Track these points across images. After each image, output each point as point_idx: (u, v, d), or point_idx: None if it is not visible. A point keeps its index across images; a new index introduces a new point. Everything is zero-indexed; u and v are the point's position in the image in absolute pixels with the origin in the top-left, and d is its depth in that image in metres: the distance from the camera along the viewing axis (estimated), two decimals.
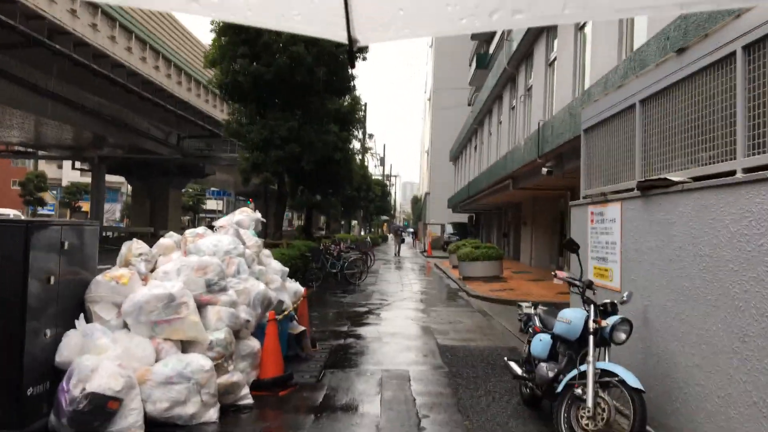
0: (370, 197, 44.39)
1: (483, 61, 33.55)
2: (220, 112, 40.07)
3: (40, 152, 46.68)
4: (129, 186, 53.91)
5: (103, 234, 45.05)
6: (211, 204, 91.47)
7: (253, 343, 5.94)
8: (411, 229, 75.68)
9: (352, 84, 15.65)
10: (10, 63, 23.50)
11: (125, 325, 5.14)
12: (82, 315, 4.97)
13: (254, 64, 14.28)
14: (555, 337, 4.92)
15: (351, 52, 1.53)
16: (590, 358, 4.18)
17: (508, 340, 8.77)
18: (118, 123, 33.84)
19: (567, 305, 5.56)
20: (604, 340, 4.40)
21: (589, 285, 4.60)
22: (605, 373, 4.15)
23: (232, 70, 14.44)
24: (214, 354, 5.33)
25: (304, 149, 14.45)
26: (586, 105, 6.80)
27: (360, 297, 14.01)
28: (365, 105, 39.60)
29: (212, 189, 77.63)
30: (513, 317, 11.50)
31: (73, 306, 4.98)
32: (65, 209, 72.34)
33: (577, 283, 4.63)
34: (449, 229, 44.03)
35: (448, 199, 43.13)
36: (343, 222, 46.07)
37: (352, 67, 15.61)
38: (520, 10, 1.42)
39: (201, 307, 5.55)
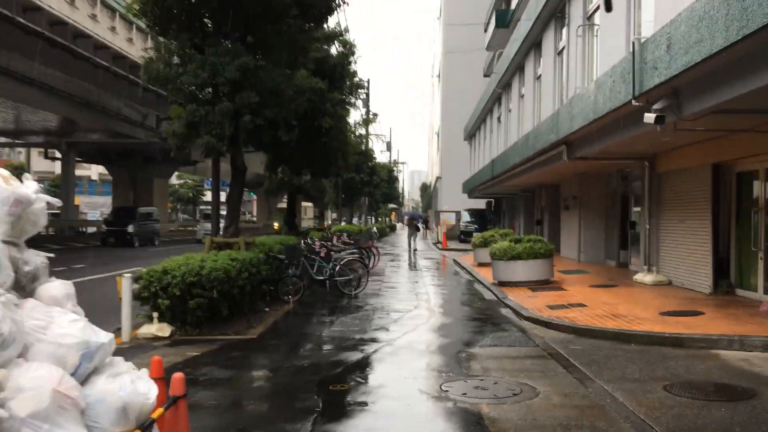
0: (375, 182, 39.04)
1: (504, 19, 28.61)
2: None
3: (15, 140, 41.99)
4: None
5: (80, 230, 40.52)
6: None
7: None
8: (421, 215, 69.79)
9: (337, 1, 10.39)
10: None
11: None
12: None
13: None
14: None
15: None
16: None
17: None
18: (90, 104, 29.03)
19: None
20: None
21: None
22: None
23: None
24: None
25: (265, 99, 9.39)
26: None
27: (352, 324, 9.06)
28: (368, 81, 34.38)
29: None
30: (620, 370, 5.83)
31: None
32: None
33: None
34: (465, 216, 39.39)
35: (463, 183, 38.13)
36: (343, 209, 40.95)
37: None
38: None
39: None
